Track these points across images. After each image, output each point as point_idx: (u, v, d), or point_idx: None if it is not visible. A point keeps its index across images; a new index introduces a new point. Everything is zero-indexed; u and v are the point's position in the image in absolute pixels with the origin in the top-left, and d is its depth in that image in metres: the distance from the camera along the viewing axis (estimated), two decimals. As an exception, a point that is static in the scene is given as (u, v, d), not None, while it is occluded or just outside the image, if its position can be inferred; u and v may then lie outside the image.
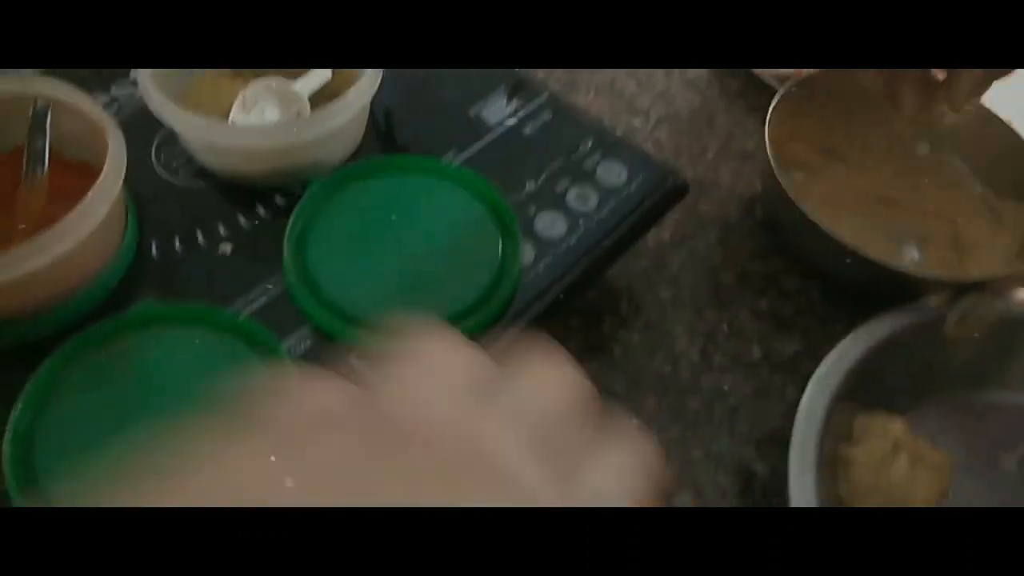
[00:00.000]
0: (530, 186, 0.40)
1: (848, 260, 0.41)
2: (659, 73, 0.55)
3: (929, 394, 0.41)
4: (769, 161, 0.43)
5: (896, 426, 0.38)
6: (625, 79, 0.55)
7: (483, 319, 0.35)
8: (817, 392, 0.37)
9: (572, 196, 0.39)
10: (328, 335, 0.34)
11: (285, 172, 0.38)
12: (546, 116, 0.42)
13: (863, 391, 0.38)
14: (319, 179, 0.38)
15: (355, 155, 0.40)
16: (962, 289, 0.40)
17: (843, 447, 0.37)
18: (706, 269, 0.46)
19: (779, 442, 0.39)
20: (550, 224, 0.38)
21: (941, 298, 0.40)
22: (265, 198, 0.38)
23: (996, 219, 0.46)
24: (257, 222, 0.38)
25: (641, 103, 0.54)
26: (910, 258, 0.44)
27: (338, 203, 0.37)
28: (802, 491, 0.34)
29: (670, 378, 0.42)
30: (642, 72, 0.55)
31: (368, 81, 0.37)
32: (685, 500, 0.38)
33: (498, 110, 0.42)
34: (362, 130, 0.41)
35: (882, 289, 0.41)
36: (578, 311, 0.44)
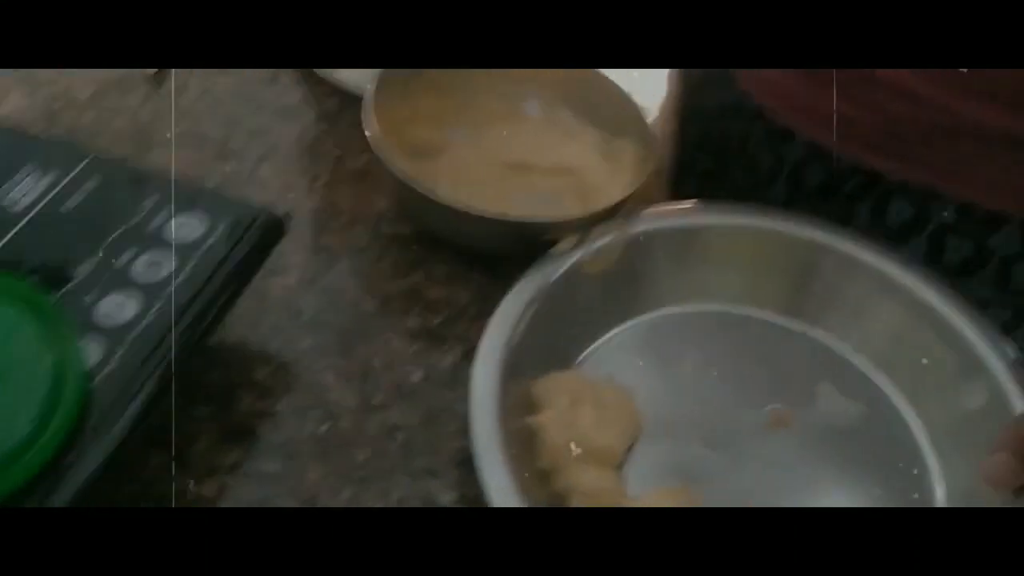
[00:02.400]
0: (83, 270, 0.32)
1: (494, 230, 0.40)
2: (244, 109, 0.50)
3: (592, 336, 0.41)
4: (382, 164, 0.40)
5: (570, 379, 0.37)
6: (209, 124, 0.49)
7: (43, 453, 0.27)
8: (482, 375, 0.35)
9: (140, 267, 0.33)
10: None
11: None
12: (92, 183, 0.35)
13: (530, 360, 0.37)
14: None
15: None
16: (588, 227, 0.41)
17: (529, 419, 0.35)
18: (344, 304, 0.42)
19: (460, 462, 0.36)
20: (117, 308, 0.31)
21: (569, 241, 0.40)
22: None
23: (614, 158, 0.47)
24: None
25: (234, 145, 0.48)
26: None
27: None
28: (493, 473, 0.31)
29: (330, 437, 0.37)
30: (226, 111, 0.50)
31: None
32: (376, 567, 0.33)
33: (27, 189, 0.34)
34: None
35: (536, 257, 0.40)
36: (205, 397, 0.37)
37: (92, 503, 0.28)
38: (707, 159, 0.56)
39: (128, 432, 0.29)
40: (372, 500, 0.35)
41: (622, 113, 0.46)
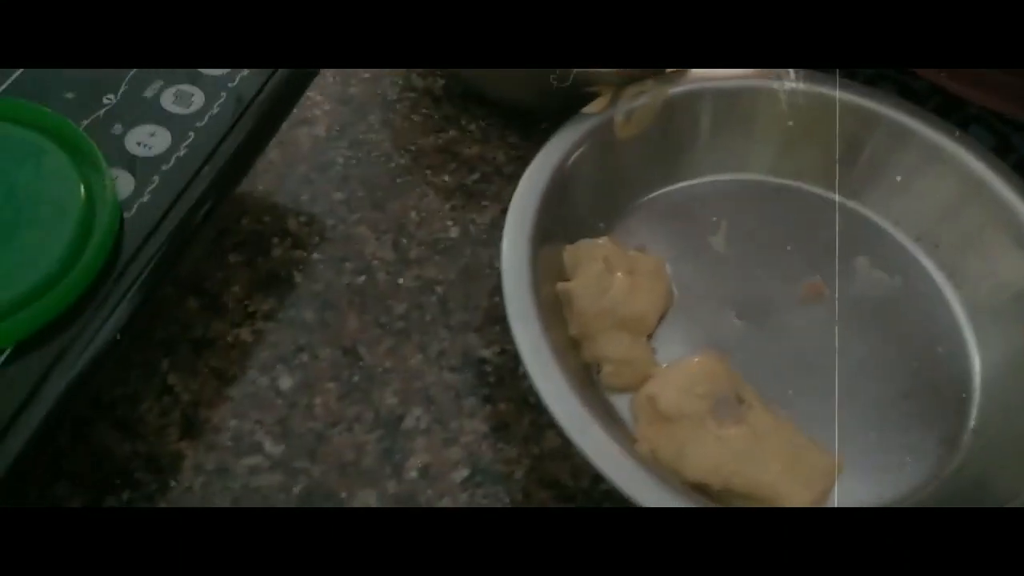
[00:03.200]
0: (108, 100, 0.30)
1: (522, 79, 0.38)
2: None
3: (624, 203, 0.39)
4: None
5: (602, 245, 0.35)
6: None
7: (76, 283, 0.26)
8: (513, 239, 0.33)
9: (168, 99, 0.31)
10: None
11: None
12: (112, 10, 0.33)
13: (560, 225, 0.35)
14: None
15: None
16: (623, 84, 0.38)
17: (560, 285, 0.34)
18: (376, 157, 0.40)
19: (499, 319, 0.35)
20: (148, 139, 0.30)
21: (601, 101, 0.38)
22: None
23: None
24: None
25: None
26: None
27: None
28: (529, 341, 0.30)
29: (366, 288, 0.36)
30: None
31: None
32: (417, 415, 0.33)
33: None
34: None
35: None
36: (237, 244, 0.36)
37: (130, 339, 0.27)
38: None
39: (163, 266, 0.28)
40: (411, 352, 0.34)
41: None
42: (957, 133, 0.39)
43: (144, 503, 0.29)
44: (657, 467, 0.30)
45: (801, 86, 0.40)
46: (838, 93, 0.40)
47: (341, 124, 0.41)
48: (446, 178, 0.40)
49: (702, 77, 0.40)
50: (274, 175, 0.38)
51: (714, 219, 0.40)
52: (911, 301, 0.38)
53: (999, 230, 0.37)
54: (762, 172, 0.42)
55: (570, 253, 0.35)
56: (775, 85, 0.40)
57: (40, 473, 0.28)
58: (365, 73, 0.43)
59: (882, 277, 0.39)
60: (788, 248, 0.39)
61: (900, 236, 0.40)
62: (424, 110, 0.42)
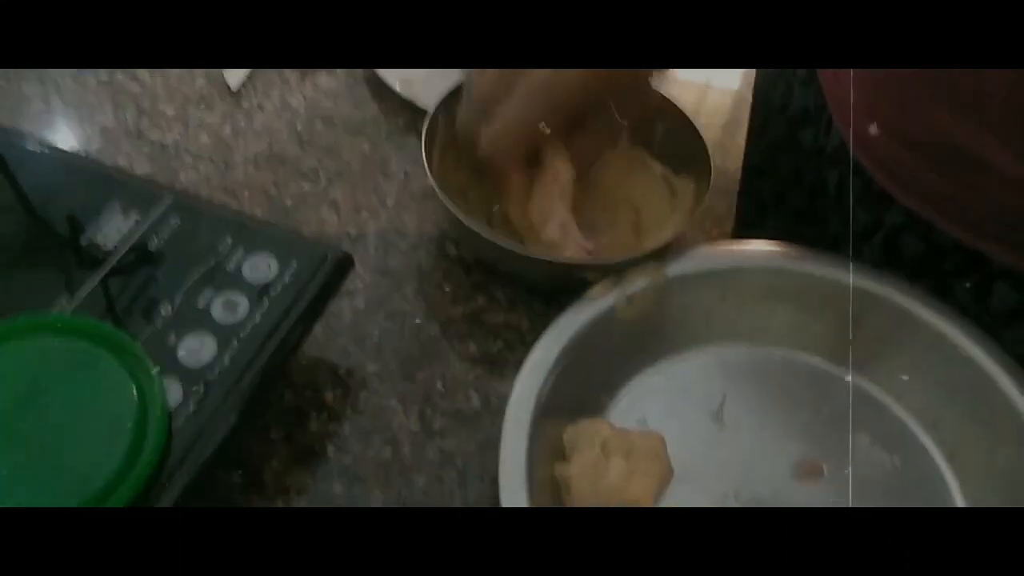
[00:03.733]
0: (166, 311, 0.35)
1: (537, 268, 0.41)
2: (318, 124, 0.52)
3: (627, 378, 0.41)
4: (434, 189, 0.41)
5: (601, 428, 0.37)
6: (285, 143, 0.51)
7: (129, 491, 0.30)
8: (514, 419, 0.35)
9: (218, 308, 0.35)
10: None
11: None
12: (174, 222, 0.38)
13: (564, 401, 0.37)
14: None
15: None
16: (626, 269, 0.41)
17: (558, 467, 0.36)
18: (409, 328, 0.44)
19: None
20: (197, 349, 0.34)
21: (604, 286, 0.40)
22: None
23: (673, 195, 0.47)
24: None
25: (308, 164, 0.50)
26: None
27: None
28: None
29: (392, 461, 0.39)
30: (300, 128, 0.52)
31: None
32: (431, 591, 0.35)
33: (115, 229, 0.37)
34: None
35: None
36: (278, 418, 0.40)
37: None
38: (799, 198, 0.54)
39: (207, 466, 0.32)
40: (429, 526, 0.37)
41: (688, 146, 0.46)
42: (961, 320, 0.40)
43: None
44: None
45: (800, 266, 0.42)
46: (852, 278, 0.41)
47: (379, 296, 0.45)
48: (471, 347, 0.43)
49: (701, 256, 0.42)
50: (317, 347, 0.42)
51: (715, 392, 0.41)
52: (910, 482, 0.39)
53: (998, 417, 0.37)
54: (764, 344, 0.43)
55: (570, 434, 0.37)
56: (778, 265, 0.42)
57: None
58: (403, 245, 0.47)
59: (881, 456, 0.39)
60: (789, 422, 0.40)
61: (902, 414, 0.41)
62: (455, 279, 0.46)
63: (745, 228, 0.54)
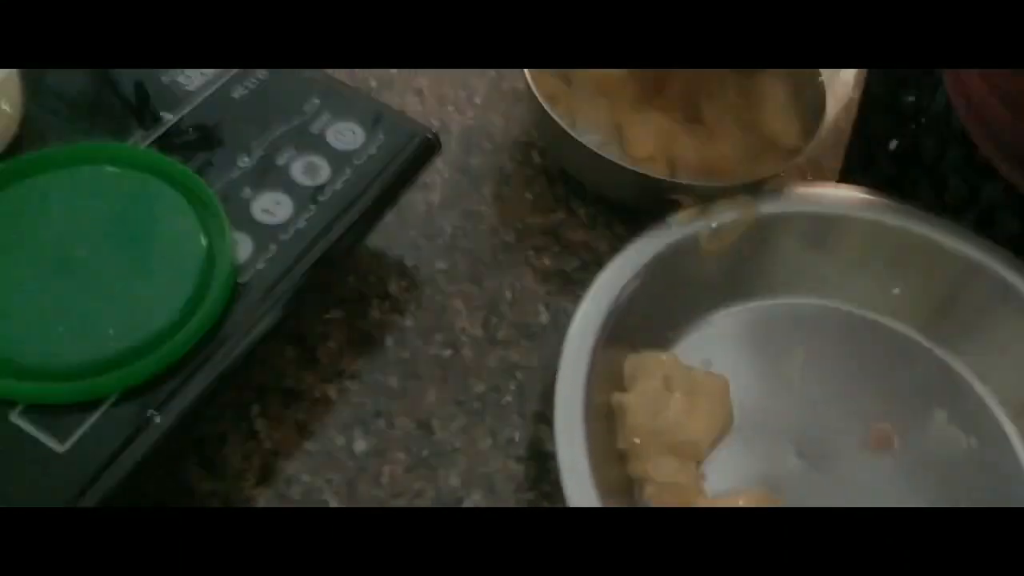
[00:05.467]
0: (243, 163, 0.33)
1: (619, 178, 0.38)
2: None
3: (697, 316, 0.39)
4: (532, 91, 0.38)
5: (665, 361, 0.35)
6: (376, 22, 0.48)
7: (190, 336, 0.28)
8: (576, 341, 0.33)
9: (298, 169, 0.33)
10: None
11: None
12: (261, 74, 0.35)
13: (627, 331, 0.35)
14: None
15: (9, 151, 0.32)
16: (709, 199, 0.38)
17: (615, 396, 0.34)
18: (483, 230, 0.41)
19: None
20: (272, 207, 0.32)
21: (689, 213, 0.37)
22: None
23: (783, 133, 0.43)
24: None
25: (397, 48, 0.47)
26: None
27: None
28: (570, 449, 0.30)
29: (451, 362, 0.37)
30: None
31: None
32: (476, 499, 0.33)
33: (198, 71, 0.35)
34: (16, 118, 0.32)
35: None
36: (340, 299, 0.38)
37: (227, 391, 0.29)
38: (891, 164, 0.50)
39: (268, 330, 0.30)
40: (482, 435, 0.35)
41: (806, 93, 0.42)
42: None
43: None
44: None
45: (901, 222, 0.39)
46: (954, 242, 0.38)
47: (456, 194, 0.42)
48: (547, 261, 0.41)
49: (798, 197, 0.39)
50: (386, 236, 0.40)
51: (789, 344, 0.39)
52: (984, 467, 0.36)
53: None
54: (847, 302, 0.40)
55: (631, 364, 0.35)
56: (876, 217, 0.39)
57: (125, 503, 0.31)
58: (487, 145, 0.44)
59: (957, 435, 0.37)
60: (863, 386, 0.38)
61: (985, 396, 0.38)
62: (538, 188, 0.43)
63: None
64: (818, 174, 0.46)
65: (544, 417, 0.36)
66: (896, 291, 0.39)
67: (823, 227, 0.39)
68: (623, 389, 0.35)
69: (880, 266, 0.39)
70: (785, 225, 0.39)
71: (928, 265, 0.39)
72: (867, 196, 0.40)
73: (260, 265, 0.30)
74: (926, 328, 0.39)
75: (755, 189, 0.39)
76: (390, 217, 0.41)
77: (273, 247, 0.31)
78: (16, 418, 0.26)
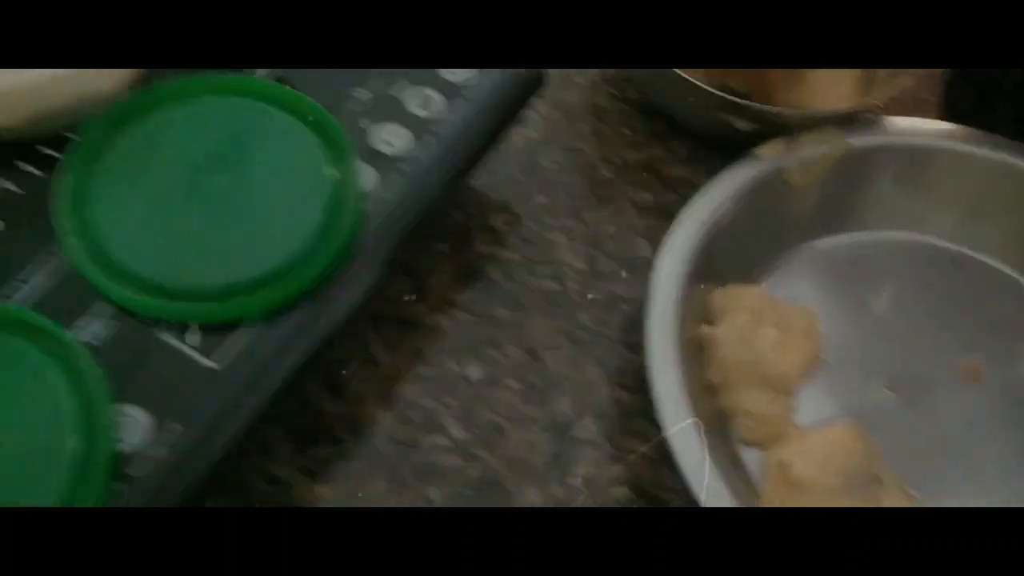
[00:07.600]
0: (360, 94, 0.33)
1: (701, 101, 0.38)
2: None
3: (784, 250, 0.39)
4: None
5: (754, 294, 0.35)
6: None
7: (324, 261, 0.29)
8: (664, 274, 0.34)
9: (413, 101, 0.33)
10: (130, 311, 0.27)
11: (47, 114, 0.30)
12: (371, 9, 0.36)
13: (715, 266, 0.35)
14: (94, 116, 0.30)
15: (138, 81, 0.33)
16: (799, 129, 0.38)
17: (704, 329, 0.34)
18: (582, 166, 0.42)
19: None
20: (391, 137, 0.32)
21: (775, 145, 0.37)
22: (26, 151, 0.30)
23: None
24: (23, 183, 0.30)
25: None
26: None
27: (121, 144, 0.30)
28: (665, 383, 0.31)
29: (557, 294, 0.38)
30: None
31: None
32: (586, 425, 0.34)
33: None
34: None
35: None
36: (444, 234, 0.39)
37: (356, 316, 0.30)
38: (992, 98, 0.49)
39: (392, 258, 0.31)
40: (590, 365, 0.36)
41: None
42: None
43: (341, 460, 0.32)
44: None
45: (993, 154, 0.38)
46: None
47: (555, 130, 0.42)
48: (645, 195, 0.41)
49: (892, 130, 0.39)
50: (486, 172, 0.40)
51: (878, 278, 0.39)
52: None
53: None
54: (937, 236, 0.40)
55: (719, 297, 0.35)
56: (966, 149, 0.38)
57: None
58: (582, 80, 0.44)
59: None
60: (952, 320, 0.37)
61: None
62: (634, 124, 0.43)
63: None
64: (913, 107, 0.45)
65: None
66: (987, 224, 0.39)
67: (913, 160, 0.39)
68: (712, 323, 0.35)
69: (971, 200, 0.39)
70: (876, 158, 0.39)
71: (1020, 198, 0.38)
72: (958, 128, 0.39)
73: (385, 194, 0.31)
74: (1017, 262, 0.39)
75: (846, 120, 0.38)
76: (490, 153, 0.41)
77: (395, 176, 0.31)
78: (173, 339, 0.27)
